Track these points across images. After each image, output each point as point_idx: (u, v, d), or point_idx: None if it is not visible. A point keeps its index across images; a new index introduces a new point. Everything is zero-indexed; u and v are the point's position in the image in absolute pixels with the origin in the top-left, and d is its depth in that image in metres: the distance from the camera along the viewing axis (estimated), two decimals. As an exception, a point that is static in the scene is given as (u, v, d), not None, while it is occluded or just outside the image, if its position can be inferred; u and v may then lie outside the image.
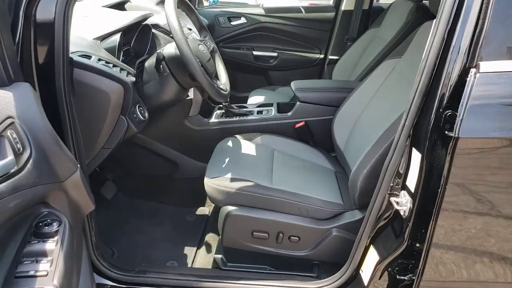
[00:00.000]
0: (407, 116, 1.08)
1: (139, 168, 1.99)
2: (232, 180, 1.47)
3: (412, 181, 1.12)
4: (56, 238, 0.81)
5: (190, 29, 2.00)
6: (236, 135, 1.82)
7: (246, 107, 2.06)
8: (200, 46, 1.50)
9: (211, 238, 1.77)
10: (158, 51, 1.41)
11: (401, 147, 1.12)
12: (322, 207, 1.44)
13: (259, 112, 1.98)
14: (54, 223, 0.85)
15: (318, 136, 1.92)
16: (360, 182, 1.36)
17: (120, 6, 2.01)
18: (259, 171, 1.56)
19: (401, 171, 1.16)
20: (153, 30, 1.75)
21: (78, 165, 0.95)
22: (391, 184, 1.19)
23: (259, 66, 2.84)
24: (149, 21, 1.75)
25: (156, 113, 1.69)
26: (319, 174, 1.67)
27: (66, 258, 0.78)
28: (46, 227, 0.83)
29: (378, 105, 1.61)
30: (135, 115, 1.36)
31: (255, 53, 2.81)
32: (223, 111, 1.96)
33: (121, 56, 1.53)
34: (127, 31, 1.55)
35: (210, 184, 1.48)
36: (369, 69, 2.06)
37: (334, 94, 1.89)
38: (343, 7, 2.67)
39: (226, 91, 1.56)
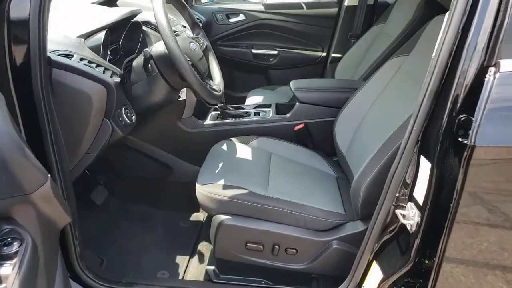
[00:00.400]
0: (415, 120, 0.98)
1: (131, 171, 1.90)
2: (225, 187, 1.36)
3: (420, 193, 1.01)
4: (14, 260, 0.71)
5: (185, 27, 1.90)
6: (232, 138, 1.72)
7: (243, 108, 1.96)
8: (191, 44, 1.40)
9: (205, 247, 1.67)
10: (145, 49, 1.31)
11: (408, 154, 1.02)
12: (322, 217, 1.33)
13: (256, 114, 1.87)
14: (15, 243, 0.75)
15: (319, 139, 1.82)
16: (363, 191, 1.25)
17: (111, 3, 1.91)
18: (254, 177, 1.46)
19: (408, 181, 1.06)
20: (144, 28, 1.65)
21: (49, 176, 0.85)
22: (397, 195, 1.09)
23: (259, 65, 2.73)
24: (139, 18, 1.64)
25: (147, 115, 1.59)
26: (319, 180, 1.57)
27: (23, 284, 0.68)
28: (5, 248, 0.74)
29: (383, 107, 1.50)
30: (120, 118, 1.26)
31: (254, 51, 2.70)
32: (219, 112, 1.86)
33: (108, 55, 1.43)
34: (114, 29, 1.45)
35: (202, 191, 1.38)
36: (374, 68, 1.95)
37: (335, 95, 1.78)
38: (346, 2, 2.55)
39: (219, 92, 1.46)
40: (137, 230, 1.76)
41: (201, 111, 1.87)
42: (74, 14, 1.46)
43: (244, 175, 1.46)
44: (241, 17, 2.67)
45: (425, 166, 0.99)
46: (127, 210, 1.85)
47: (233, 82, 2.81)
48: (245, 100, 2.31)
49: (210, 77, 1.55)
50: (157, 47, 1.33)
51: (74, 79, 1.10)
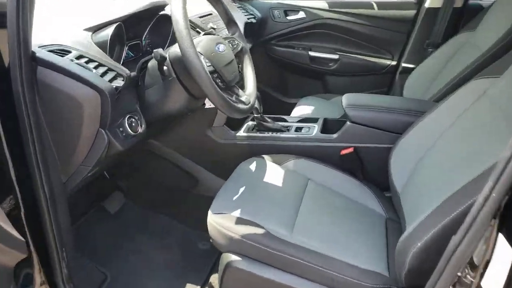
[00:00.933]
0: (497, 178, 0.65)
1: (155, 178, 1.74)
2: (239, 221, 1.13)
3: (494, 285, 0.69)
4: None
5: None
6: (265, 156, 1.48)
7: (284, 120, 1.70)
8: (219, 46, 1.17)
9: (217, 280, 1.46)
10: (155, 50, 1.11)
11: (480, 225, 0.70)
12: (355, 278, 1.04)
13: (298, 129, 1.60)
14: None
15: (370, 168, 1.50)
16: (411, 256, 0.93)
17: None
18: (280, 209, 1.20)
19: (477, 262, 0.73)
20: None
21: None
22: (459, 274, 0.77)
23: (315, 70, 2.43)
24: (169, 11, 1.44)
25: (169, 122, 1.41)
26: (363, 221, 1.27)
27: None
28: None
29: (456, 143, 1.15)
30: (121, 129, 1.08)
31: (312, 54, 2.40)
32: (255, 123, 1.62)
33: (125, 51, 1.25)
34: (135, 22, 1.27)
35: (212, 221, 1.16)
36: (451, 87, 1.57)
37: (396, 117, 1.44)
38: (427, 3, 2.14)
39: (247, 104, 1.22)
40: (150, 245, 1.60)
41: (237, 121, 1.65)
42: (89, 2, 1.30)
43: (268, 205, 1.21)
44: (301, 14, 2.38)
45: (505, 250, 0.67)
46: (144, 221, 1.70)
47: (285, 87, 2.54)
48: (294, 107, 2.05)
49: (242, 86, 1.32)
50: (175, 47, 1.13)
51: (63, 81, 0.93)
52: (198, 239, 1.65)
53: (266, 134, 1.56)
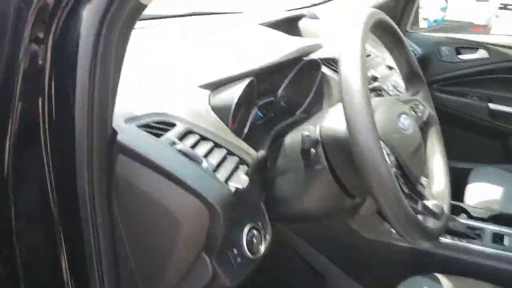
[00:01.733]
0: None
1: (270, 268, 1.33)
2: None
3: None
4: None
5: (391, 68, 1.21)
6: (440, 276, 0.94)
7: (468, 214, 1.13)
8: (402, 118, 0.71)
9: None
10: (305, 133, 0.69)
11: None
12: None
13: (497, 237, 1.03)
14: None
15: None
16: None
17: (291, 24, 1.36)
18: None
19: None
20: (324, 70, 1.03)
21: None
22: None
23: (496, 128, 1.79)
24: (320, 54, 1.02)
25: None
26: None
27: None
28: None
29: None
30: (235, 251, 0.66)
31: (492, 106, 1.77)
32: (424, 217, 1.09)
33: (252, 115, 0.85)
34: (268, 74, 0.86)
35: None
36: None
37: None
38: None
39: (439, 217, 0.71)
40: None
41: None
42: (207, 46, 0.94)
43: None
44: (481, 53, 1.77)
45: None
46: None
47: (448, 147, 1.93)
48: (466, 179, 1.46)
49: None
50: (332, 122, 0.70)
51: (153, 181, 0.57)
52: None
53: (445, 240, 1.02)
